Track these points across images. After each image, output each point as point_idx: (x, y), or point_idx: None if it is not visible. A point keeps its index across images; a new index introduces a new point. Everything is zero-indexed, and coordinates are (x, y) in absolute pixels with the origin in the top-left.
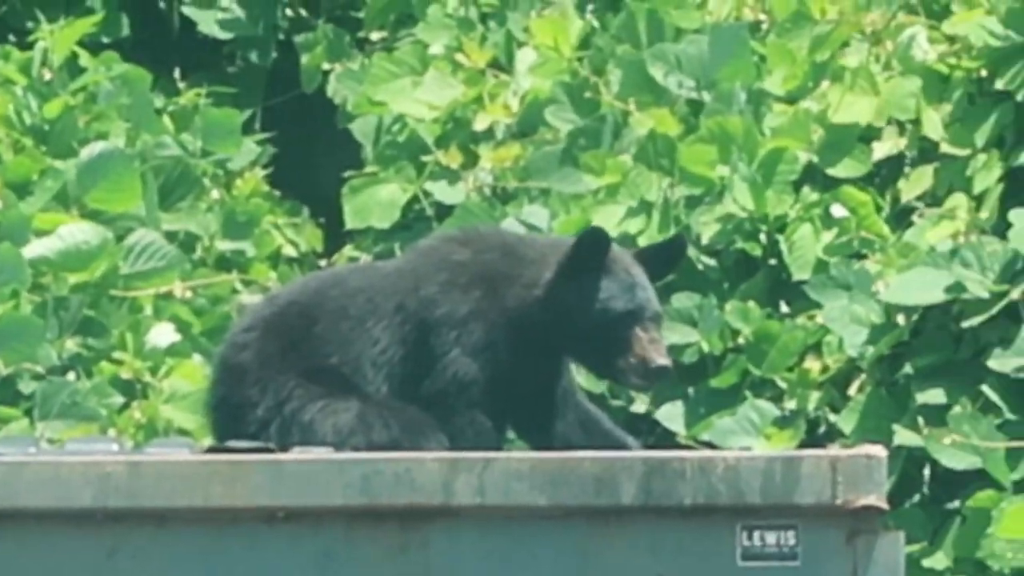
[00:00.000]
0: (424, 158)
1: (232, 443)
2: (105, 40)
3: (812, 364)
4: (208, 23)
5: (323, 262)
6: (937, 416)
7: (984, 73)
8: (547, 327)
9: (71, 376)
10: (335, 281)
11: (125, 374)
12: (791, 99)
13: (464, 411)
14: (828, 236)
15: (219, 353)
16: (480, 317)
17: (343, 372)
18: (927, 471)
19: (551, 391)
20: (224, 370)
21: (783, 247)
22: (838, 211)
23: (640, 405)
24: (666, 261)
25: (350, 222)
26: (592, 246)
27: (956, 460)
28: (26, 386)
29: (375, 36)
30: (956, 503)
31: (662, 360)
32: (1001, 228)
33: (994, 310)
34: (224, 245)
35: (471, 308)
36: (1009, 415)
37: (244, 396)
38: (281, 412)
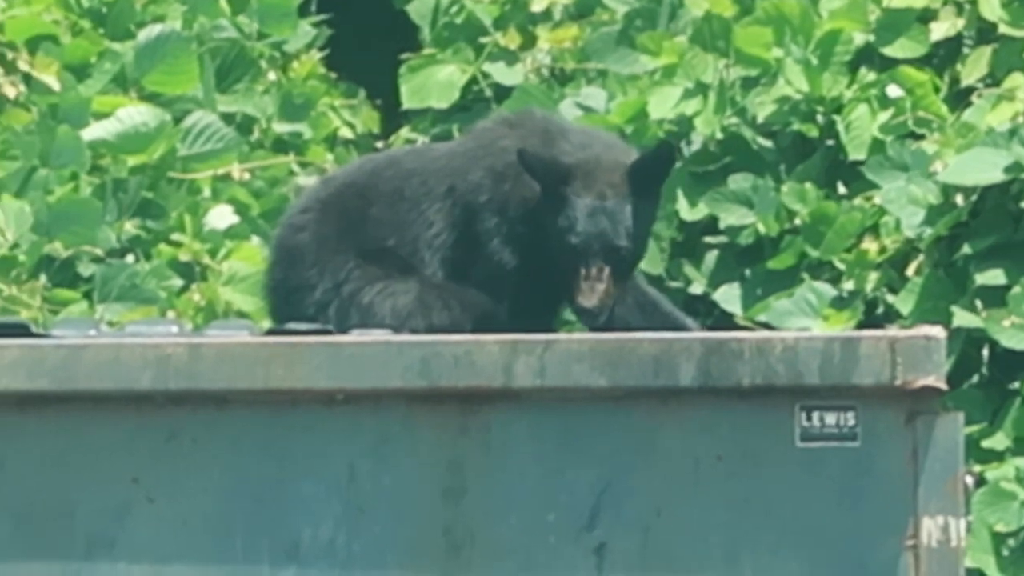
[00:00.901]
0: (482, 39)
1: (292, 325)
2: None
3: (870, 245)
4: None
5: (380, 144)
6: (996, 297)
7: None
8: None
9: (130, 259)
10: (390, 163)
11: (184, 256)
12: None
13: (512, 298)
14: (884, 116)
15: (276, 235)
16: (513, 206)
17: (400, 254)
18: (986, 352)
19: None
20: (281, 252)
21: (839, 128)
22: (894, 91)
23: (697, 287)
24: (657, 171)
25: (408, 102)
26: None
27: (1015, 340)
28: (85, 269)
29: None
30: (1015, 384)
31: (585, 303)
32: None
33: None
34: (281, 127)
35: (505, 196)
36: None
37: (302, 278)
38: (339, 294)
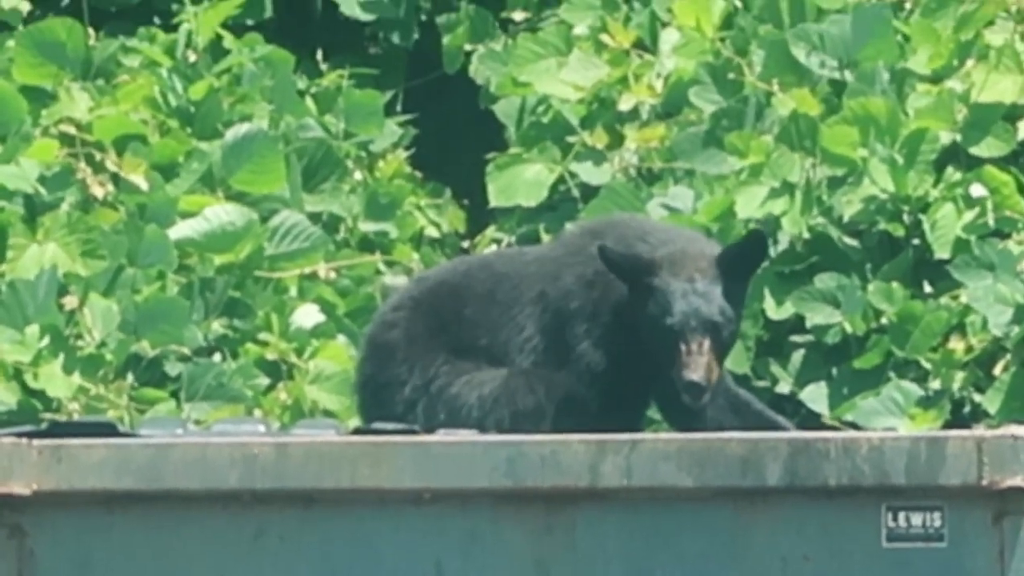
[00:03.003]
0: (569, 139)
1: (378, 425)
2: (248, 22)
3: (956, 344)
4: (350, 4)
5: (465, 243)
6: None
7: None
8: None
9: (217, 358)
10: (483, 266)
11: (270, 355)
12: (935, 79)
13: (600, 399)
14: (970, 216)
15: (368, 332)
16: (604, 311)
17: (491, 353)
18: None
19: None
20: (372, 349)
21: (925, 227)
22: (977, 191)
23: (784, 386)
24: (748, 259)
25: (495, 200)
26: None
27: None
28: (172, 368)
29: (518, 16)
30: None
31: (692, 376)
32: None
33: None
34: (367, 226)
35: (595, 301)
36: None
37: (392, 375)
38: (428, 390)
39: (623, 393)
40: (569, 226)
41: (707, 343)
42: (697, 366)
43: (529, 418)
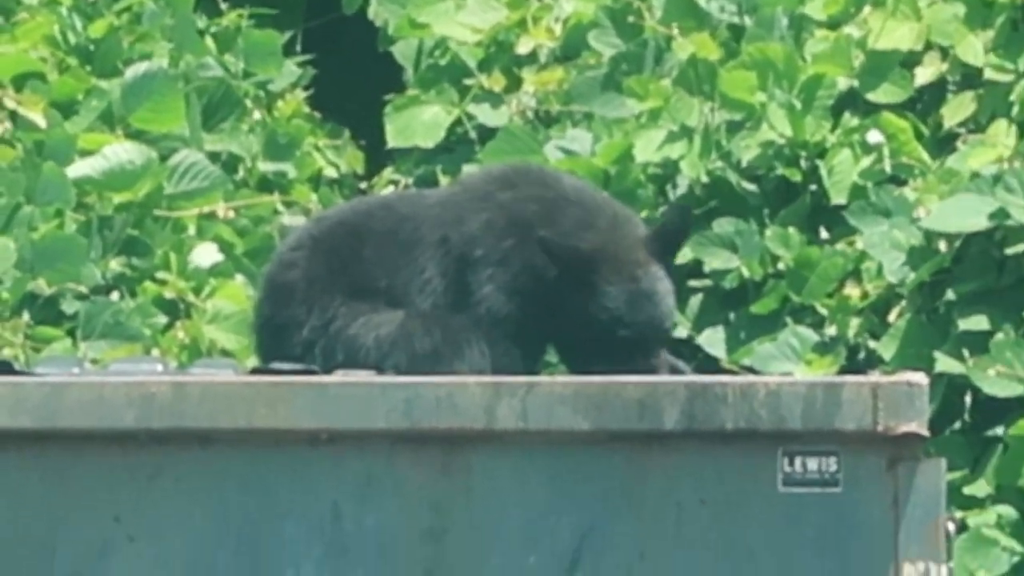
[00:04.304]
0: (466, 81)
1: (276, 365)
2: None
3: (852, 290)
4: None
5: (363, 184)
6: (979, 343)
7: None
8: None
9: (115, 296)
10: (383, 205)
11: (168, 294)
12: (833, 24)
13: (498, 342)
14: (866, 162)
15: (266, 272)
16: (512, 263)
17: (390, 295)
18: (968, 398)
19: None
20: (271, 288)
21: (823, 172)
22: (874, 137)
23: (682, 330)
24: (676, 237)
25: (392, 141)
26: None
27: (998, 388)
28: (69, 306)
29: None
30: (998, 430)
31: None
32: None
33: None
34: (266, 166)
35: (505, 253)
36: None
37: (290, 315)
38: (327, 331)
39: (523, 339)
40: (470, 170)
41: (661, 349)
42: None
43: (426, 361)
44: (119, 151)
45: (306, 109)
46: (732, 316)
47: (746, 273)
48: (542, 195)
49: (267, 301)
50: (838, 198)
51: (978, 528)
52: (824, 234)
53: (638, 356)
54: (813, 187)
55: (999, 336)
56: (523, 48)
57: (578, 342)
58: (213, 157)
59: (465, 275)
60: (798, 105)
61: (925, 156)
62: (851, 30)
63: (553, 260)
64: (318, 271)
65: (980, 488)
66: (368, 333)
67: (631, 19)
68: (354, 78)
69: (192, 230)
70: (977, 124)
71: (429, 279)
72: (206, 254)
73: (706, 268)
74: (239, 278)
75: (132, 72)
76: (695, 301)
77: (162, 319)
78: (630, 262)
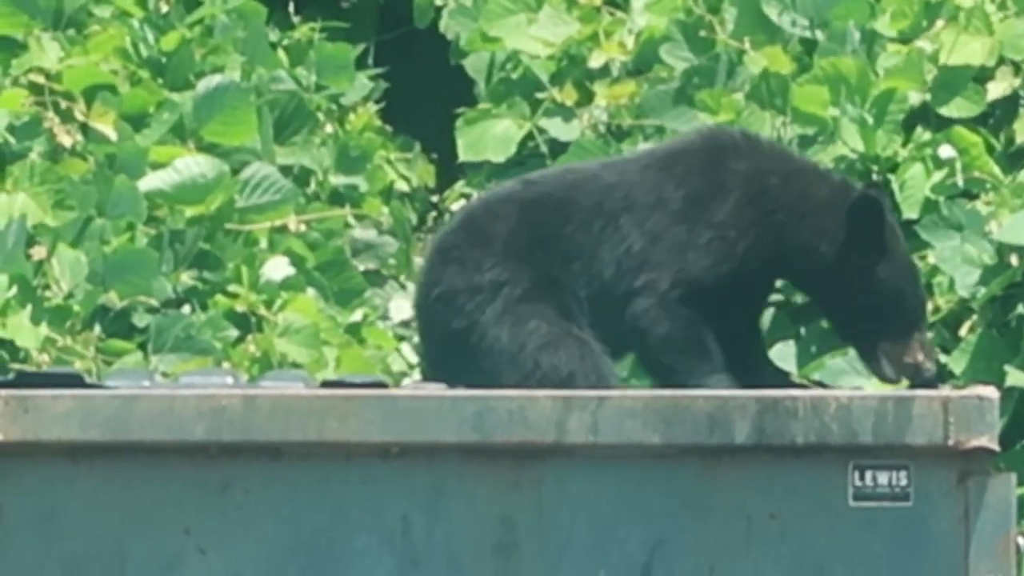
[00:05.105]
0: (538, 95)
1: (347, 378)
2: None
3: None
4: None
5: (435, 198)
6: None
7: None
8: (818, 281)
9: (186, 309)
10: (592, 177)
11: (239, 307)
12: (904, 39)
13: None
14: (938, 176)
15: (468, 207)
16: (759, 230)
17: (585, 276)
18: None
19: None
20: (468, 224)
21: (894, 187)
22: (946, 151)
23: None
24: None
25: (463, 155)
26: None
27: None
28: (140, 319)
29: None
30: None
31: (931, 366)
32: None
33: None
34: (337, 179)
35: (751, 220)
36: None
37: (478, 260)
38: (505, 307)
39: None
40: (673, 139)
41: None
42: (929, 356)
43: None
44: (190, 164)
45: (377, 122)
46: (803, 330)
47: None
48: (780, 156)
49: (459, 230)
50: (910, 212)
51: None
52: None
53: (913, 330)
54: None
55: None
56: (595, 62)
57: (845, 314)
58: (285, 170)
59: (682, 236)
60: (870, 120)
61: (997, 170)
62: (923, 44)
63: (873, 222)
64: (520, 238)
65: None
66: (541, 352)
67: (703, 33)
68: (426, 91)
69: (263, 243)
70: None
71: (630, 246)
72: (277, 267)
73: (778, 282)
74: (310, 291)
75: (204, 85)
76: (766, 315)
77: (233, 332)
78: (897, 233)
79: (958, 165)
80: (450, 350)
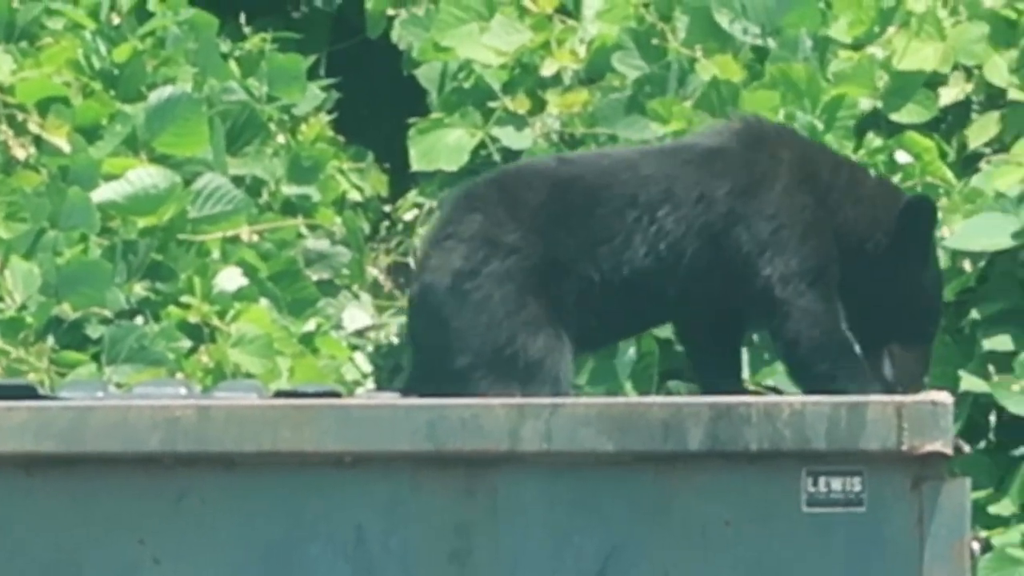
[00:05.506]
0: (490, 104)
1: (300, 387)
2: None
3: None
4: None
5: (387, 207)
6: (1004, 362)
7: None
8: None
9: (139, 320)
10: (628, 166)
11: (192, 318)
12: (857, 45)
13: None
14: (894, 181)
15: (503, 169)
16: (811, 224)
17: (594, 268)
18: (993, 417)
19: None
20: (501, 186)
21: None
22: (902, 157)
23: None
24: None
25: (416, 164)
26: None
27: (1023, 406)
28: (94, 330)
29: None
30: (1022, 449)
31: (926, 384)
32: None
33: None
34: (289, 190)
35: (799, 209)
36: None
37: (504, 222)
38: (507, 259)
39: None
40: (703, 131)
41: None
42: (928, 369)
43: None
44: (143, 175)
45: (330, 133)
46: (756, 336)
47: None
48: (834, 161)
49: (494, 186)
50: None
51: (1002, 548)
52: None
53: (923, 341)
54: None
55: (1023, 355)
56: (547, 70)
57: (868, 310)
58: (237, 181)
59: (728, 237)
60: (820, 125)
61: (950, 176)
62: (875, 50)
63: (925, 229)
64: (549, 212)
65: (1005, 507)
66: (541, 354)
67: (655, 41)
68: (378, 101)
69: (216, 254)
70: (1001, 144)
71: (676, 242)
72: (230, 278)
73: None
74: (263, 302)
75: (156, 96)
76: None
77: (186, 343)
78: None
79: (916, 170)
80: (441, 293)
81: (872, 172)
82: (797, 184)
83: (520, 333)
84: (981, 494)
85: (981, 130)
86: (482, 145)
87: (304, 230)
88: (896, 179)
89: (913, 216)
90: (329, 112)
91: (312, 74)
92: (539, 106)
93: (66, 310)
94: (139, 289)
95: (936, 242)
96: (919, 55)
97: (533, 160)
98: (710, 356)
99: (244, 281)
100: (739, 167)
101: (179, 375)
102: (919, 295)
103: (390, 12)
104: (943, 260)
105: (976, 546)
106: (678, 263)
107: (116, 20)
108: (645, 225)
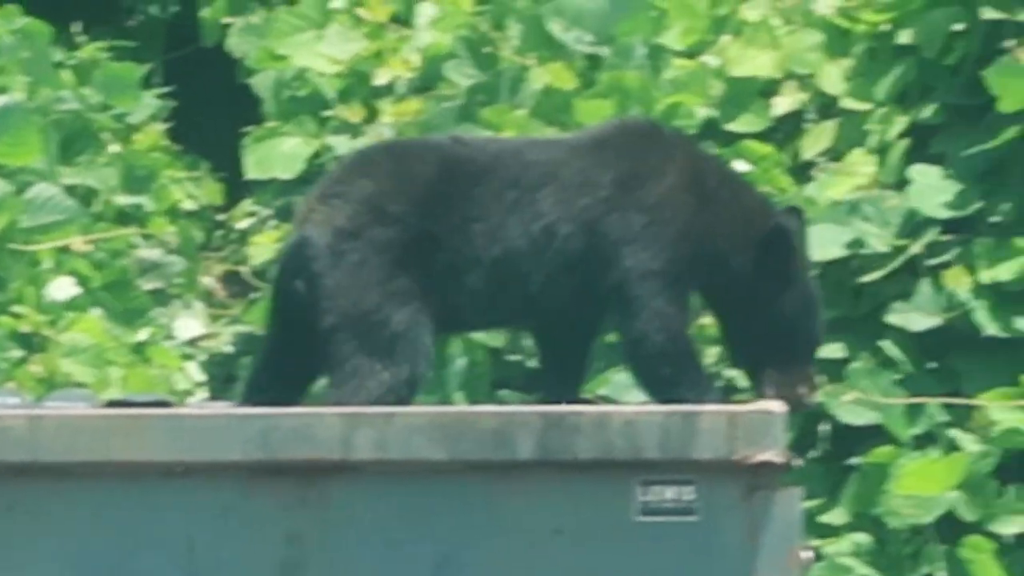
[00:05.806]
0: (325, 112)
1: (131, 397)
2: None
3: (709, 318)
4: None
5: (221, 216)
6: (836, 371)
7: (886, 28)
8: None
9: None
10: (515, 152)
11: (24, 328)
12: (691, 54)
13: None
14: None
15: (400, 141)
16: (696, 228)
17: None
18: (826, 427)
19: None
20: (393, 155)
21: None
22: (741, 166)
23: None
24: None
25: (251, 172)
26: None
27: (854, 416)
28: None
29: None
30: (854, 459)
31: (814, 399)
32: (902, 184)
33: (893, 265)
34: (123, 199)
35: (691, 209)
36: (907, 371)
37: (391, 190)
38: (389, 227)
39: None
40: (598, 126)
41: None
42: (815, 388)
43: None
44: None
45: (164, 141)
46: None
47: None
48: (699, 167)
49: (385, 153)
50: None
51: (834, 557)
52: None
53: (803, 360)
54: None
55: (855, 364)
56: (381, 79)
57: (740, 334)
58: (70, 190)
59: (600, 228)
60: None
61: (787, 183)
62: (709, 59)
63: (783, 255)
64: (427, 191)
65: (837, 516)
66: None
67: (488, 50)
68: (213, 110)
69: (48, 264)
70: (835, 153)
71: (550, 224)
72: (62, 287)
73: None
74: (95, 311)
75: None
76: None
77: (17, 352)
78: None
79: (755, 178)
80: (320, 247)
81: (756, 191)
82: (683, 186)
83: (387, 303)
84: (813, 503)
85: (815, 140)
86: (318, 153)
87: (138, 239)
88: None
89: (775, 238)
90: (164, 121)
91: (147, 83)
92: (373, 115)
93: None
94: None
95: (805, 260)
96: (753, 63)
97: (429, 137)
98: (557, 360)
99: (76, 291)
100: (629, 158)
101: (10, 384)
102: (786, 317)
103: (226, 20)
104: None
105: (807, 555)
106: (548, 246)
107: None
108: (523, 206)
